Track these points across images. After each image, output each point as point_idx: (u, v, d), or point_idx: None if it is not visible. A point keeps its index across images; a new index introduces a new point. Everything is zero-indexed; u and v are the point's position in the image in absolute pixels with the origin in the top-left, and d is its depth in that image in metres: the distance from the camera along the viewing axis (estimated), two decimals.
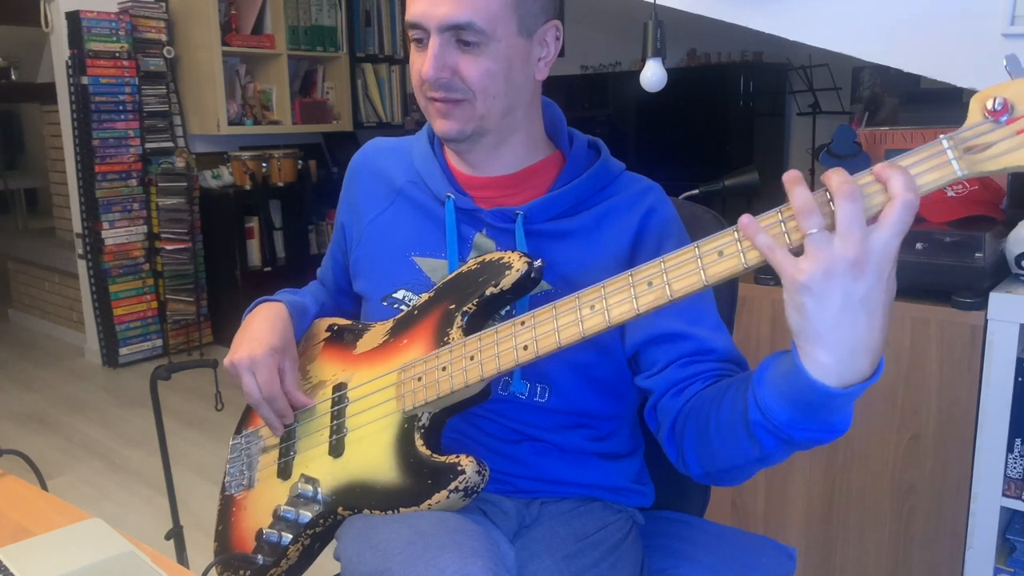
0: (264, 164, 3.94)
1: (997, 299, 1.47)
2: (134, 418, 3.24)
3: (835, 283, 0.63)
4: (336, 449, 0.95)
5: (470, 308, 0.89)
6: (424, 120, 0.99)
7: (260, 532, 0.97)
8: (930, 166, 0.64)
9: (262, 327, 1.00)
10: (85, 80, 3.58)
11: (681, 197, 1.40)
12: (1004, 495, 1.50)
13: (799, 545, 1.77)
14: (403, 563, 0.77)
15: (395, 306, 1.00)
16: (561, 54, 0.98)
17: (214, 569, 0.97)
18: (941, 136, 0.64)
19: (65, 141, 3.81)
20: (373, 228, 1.06)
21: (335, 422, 0.97)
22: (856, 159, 1.81)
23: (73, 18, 3.56)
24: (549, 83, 0.99)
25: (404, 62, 4.75)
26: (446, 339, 0.89)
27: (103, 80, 3.63)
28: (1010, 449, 1.48)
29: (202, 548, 1.95)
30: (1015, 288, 1.49)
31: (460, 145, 0.96)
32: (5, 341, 4.39)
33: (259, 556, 0.96)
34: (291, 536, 0.94)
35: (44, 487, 0.99)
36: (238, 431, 1.12)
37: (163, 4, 3.83)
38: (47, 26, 3.71)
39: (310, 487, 0.95)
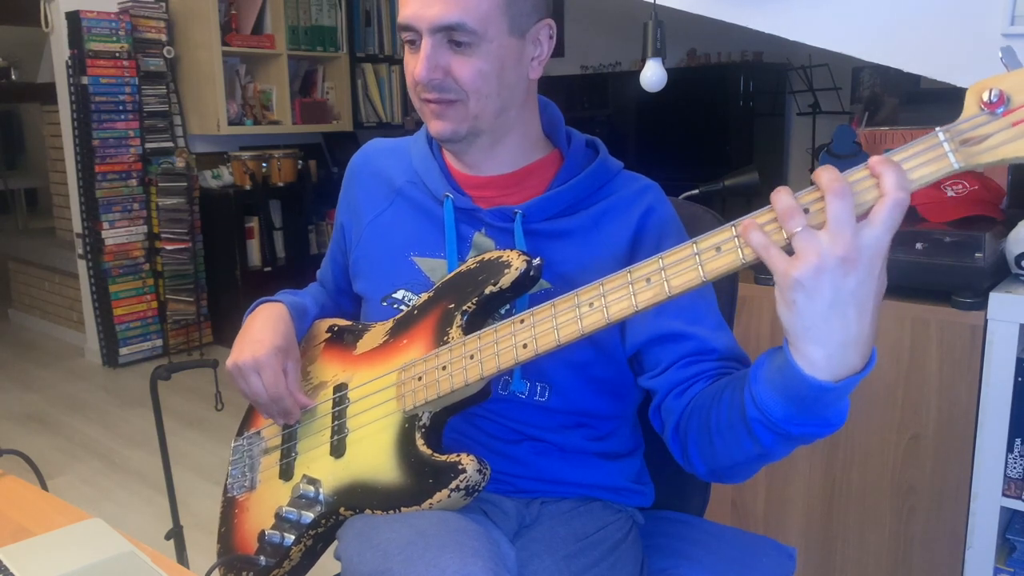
0: (264, 164, 3.94)
1: (997, 299, 1.47)
2: (134, 418, 3.24)
3: (825, 279, 0.63)
4: (337, 449, 0.95)
5: (469, 307, 0.89)
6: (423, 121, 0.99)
7: (262, 533, 0.97)
8: (926, 159, 0.64)
9: (264, 328, 1.00)
10: (85, 80, 3.58)
11: (681, 197, 1.40)
12: (1004, 495, 1.50)
13: (799, 545, 1.77)
14: (403, 563, 0.77)
15: (395, 306, 1.00)
16: (561, 54, 0.99)
17: (217, 571, 0.97)
18: (937, 129, 0.64)
19: (65, 141, 3.81)
20: (372, 228, 1.06)
21: (336, 423, 0.97)
22: (856, 159, 1.81)
23: (73, 18, 3.56)
24: (549, 83, 0.99)
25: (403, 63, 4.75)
26: (446, 338, 0.89)
27: (103, 80, 3.63)
28: (1010, 449, 1.48)
29: (202, 548, 1.95)
30: (1015, 288, 1.50)
31: (455, 145, 0.97)
32: (5, 341, 4.39)
33: (261, 557, 0.97)
34: (293, 537, 0.94)
35: (44, 487, 0.99)
36: (239, 433, 1.12)
37: (163, 4, 3.83)
38: (47, 26, 3.71)
39: (312, 488, 0.95)
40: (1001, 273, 1.57)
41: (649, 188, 1.01)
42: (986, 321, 1.48)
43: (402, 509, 0.87)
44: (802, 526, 1.77)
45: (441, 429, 0.91)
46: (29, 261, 4.55)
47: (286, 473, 1.00)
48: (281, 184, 4.02)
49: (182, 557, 1.68)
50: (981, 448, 1.51)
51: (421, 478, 0.86)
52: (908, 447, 1.61)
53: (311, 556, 0.97)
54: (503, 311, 0.94)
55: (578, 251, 0.96)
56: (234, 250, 3.87)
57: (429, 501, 0.85)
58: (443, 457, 0.86)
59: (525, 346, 0.81)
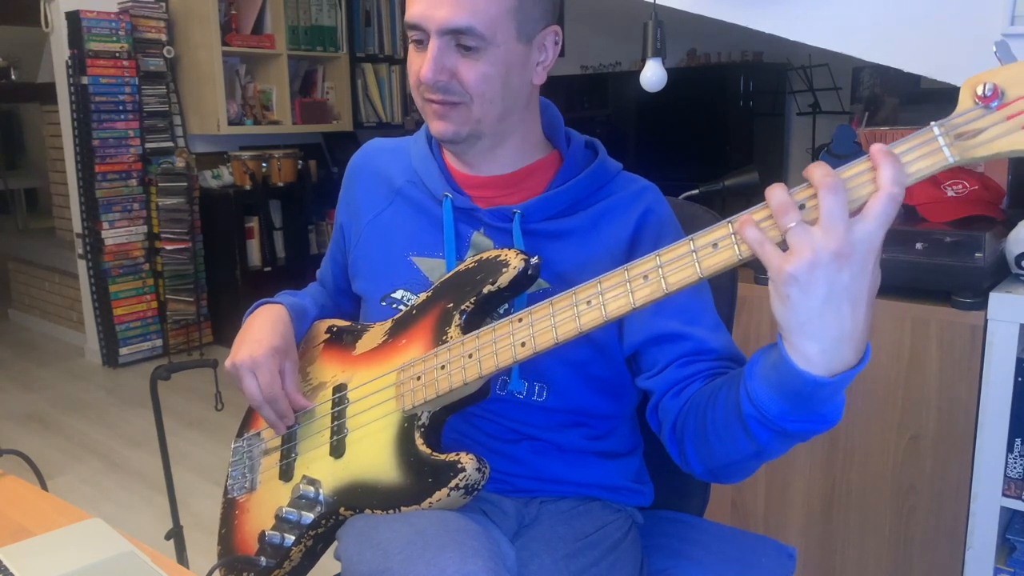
0: (264, 164, 3.95)
1: (997, 299, 1.47)
2: (134, 418, 3.24)
3: (819, 274, 0.64)
4: (337, 450, 0.95)
5: (468, 307, 0.89)
6: (424, 120, 0.99)
7: (263, 534, 0.97)
8: (922, 153, 0.64)
9: (263, 328, 1.00)
10: (85, 80, 3.58)
11: (681, 197, 1.40)
12: (1004, 495, 1.50)
13: (799, 545, 1.77)
14: (403, 562, 0.77)
15: (394, 306, 1.00)
16: (561, 54, 0.99)
17: (217, 571, 0.97)
18: (932, 123, 0.64)
19: (65, 141, 3.81)
20: (372, 228, 1.06)
21: (335, 423, 0.97)
22: (855, 159, 1.81)
23: (73, 18, 3.57)
24: (549, 83, 0.99)
25: (404, 62, 4.75)
26: (444, 338, 0.89)
27: (103, 80, 3.63)
28: (1010, 449, 1.48)
29: (202, 548, 1.95)
30: (1015, 288, 1.50)
31: (456, 146, 0.97)
32: (5, 341, 4.39)
33: (262, 558, 0.97)
34: (293, 537, 0.94)
35: (44, 487, 0.99)
36: (239, 434, 1.12)
37: (163, 4, 3.83)
38: (47, 26, 3.71)
39: (312, 488, 0.95)
40: (1001, 273, 1.57)
41: (647, 189, 1.01)
42: (986, 321, 1.48)
43: (402, 508, 0.87)
44: (802, 526, 1.77)
45: (440, 428, 0.91)
46: (29, 261, 4.55)
47: (286, 474, 1.00)
48: (281, 184, 4.02)
49: (182, 557, 1.68)
50: (981, 448, 1.51)
51: (420, 477, 0.86)
52: (908, 447, 1.61)
53: (311, 556, 0.97)
54: (502, 310, 0.94)
55: (576, 251, 0.96)
56: (234, 250, 3.87)
57: (429, 500, 0.85)
58: (442, 456, 0.86)
59: (523, 344, 0.81)
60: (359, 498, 0.91)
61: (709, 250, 0.70)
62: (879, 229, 0.63)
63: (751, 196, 1.83)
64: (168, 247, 3.82)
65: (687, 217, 1.08)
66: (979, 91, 0.62)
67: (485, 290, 0.88)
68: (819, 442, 1.72)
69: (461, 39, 0.88)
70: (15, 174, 6.74)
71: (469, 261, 0.92)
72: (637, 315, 0.80)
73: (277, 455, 1.03)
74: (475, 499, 0.87)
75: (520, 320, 0.82)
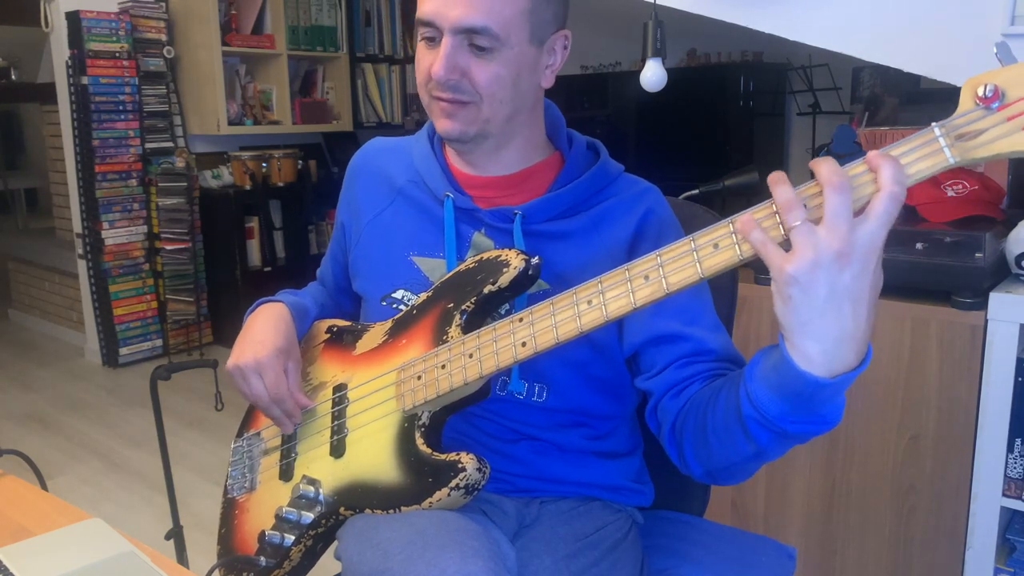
0: (264, 164, 3.95)
1: (997, 299, 1.47)
2: (134, 418, 3.24)
3: (821, 274, 0.63)
4: (337, 450, 0.95)
5: (468, 306, 0.89)
6: (424, 120, 0.99)
7: (262, 534, 0.97)
8: (922, 154, 0.64)
9: (265, 329, 1.00)
10: (85, 80, 3.58)
11: (681, 197, 1.40)
12: (1004, 495, 1.50)
13: (799, 545, 1.77)
14: (403, 562, 0.77)
15: (394, 306, 1.00)
16: None
17: (217, 571, 0.97)
18: (933, 124, 0.64)
19: (65, 141, 3.81)
20: (372, 228, 1.06)
21: (336, 423, 0.97)
22: (855, 159, 1.81)
23: (73, 18, 3.56)
24: None
25: (404, 62, 4.75)
26: (445, 338, 0.89)
27: (103, 80, 3.63)
28: (1010, 449, 1.48)
29: (202, 548, 1.95)
30: (1015, 288, 1.50)
31: (462, 146, 0.97)
32: (5, 341, 4.39)
33: (262, 558, 0.97)
34: (293, 537, 0.94)
35: (44, 487, 0.99)
36: (239, 434, 1.12)
37: (163, 4, 3.83)
38: (47, 26, 3.71)
39: (312, 488, 0.95)
40: (1001, 273, 1.57)
41: (649, 191, 1.01)
42: (986, 321, 1.48)
43: (402, 508, 0.87)
44: (802, 526, 1.77)
45: (441, 428, 0.91)
46: (29, 261, 4.55)
47: (286, 474, 1.00)
48: (281, 184, 4.02)
49: (182, 557, 1.68)
50: (981, 448, 1.51)
51: (421, 477, 0.86)
52: (908, 447, 1.61)
53: (311, 556, 0.97)
54: (502, 311, 0.94)
55: (577, 252, 0.96)
56: (234, 250, 3.87)
57: (429, 500, 0.85)
58: (443, 456, 0.86)
59: (524, 344, 0.81)
60: (359, 498, 0.91)
61: (710, 250, 0.70)
62: (881, 229, 0.63)
63: (751, 196, 1.83)
64: (168, 247, 3.82)
65: (687, 217, 1.08)
66: (980, 92, 0.62)
67: (486, 290, 0.88)
68: (819, 442, 1.72)
69: (475, 39, 0.87)
70: (15, 174, 6.73)
71: (470, 261, 0.92)
72: (637, 316, 0.80)
73: (277, 455, 1.03)
74: (475, 499, 0.87)
75: (521, 320, 0.82)
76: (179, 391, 3.42)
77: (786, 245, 0.66)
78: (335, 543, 0.95)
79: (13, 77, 6.00)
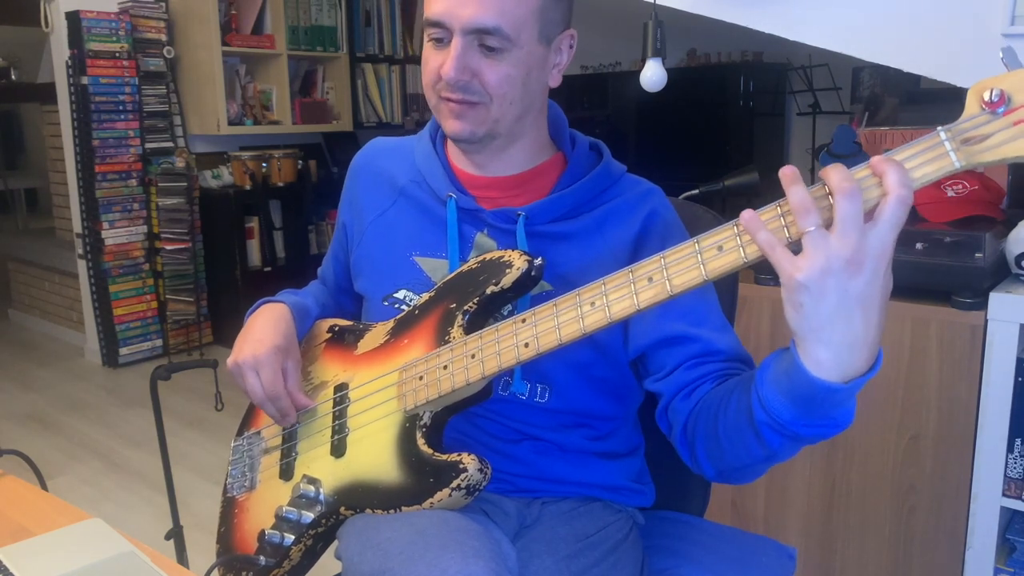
0: (264, 164, 3.94)
1: (997, 299, 1.47)
2: (134, 418, 3.24)
3: (832, 280, 0.63)
4: (338, 449, 0.95)
5: (471, 307, 0.89)
6: (425, 120, 0.99)
7: (262, 533, 0.97)
8: (928, 158, 0.64)
9: (265, 327, 1.00)
10: (85, 80, 3.58)
11: (681, 197, 1.40)
12: (1004, 495, 1.50)
13: (799, 545, 1.77)
14: (404, 562, 0.77)
15: (396, 306, 1.00)
16: None
17: (216, 570, 0.97)
18: (939, 128, 0.64)
19: (65, 141, 3.81)
20: (374, 228, 1.06)
21: (337, 422, 0.97)
22: (856, 159, 1.81)
23: (73, 18, 3.56)
24: None
25: (404, 62, 4.75)
26: (447, 338, 0.89)
27: (103, 80, 3.63)
28: (1010, 449, 1.48)
29: (202, 548, 1.95)
30: (1015, 288, 1.50)
31: (469, 146, 0.97)
32: (5, 341, 4.39)
33: (261, 557, 0.96)
34: (293, 537, 0.94)
35: (44, 487, 0.99)
36: (239, 433, 1.12)
37: (163, 4, 3.83)
38: (47, 26, 3.71)
39: (312, 487, 0.95)
40: (1001, 273, 1.57)
41: (652, 192, 1.01)
42: (986, 321, 1.48)
43: (403, 508, 0.87)
44: (802, 526, 1.77)
45: (442, 428, 0.91)
46: (29, 261, 4.54)
47: (286, 473, 1.00)
48: (281, 184, 4.02)
49: (182, 557, 1.68)
50: (981, 448, 1.51)
51: (422, 477, 0.86)
52: (908, 447, 1.61)
53: (311, 556, 0.97)
54: (505, 312, 0.94)
55: (580, 254, 0.95)
56: (234, 250, 3.87)
57: (430, 500, 0.85)
58: (444, 456, 0.86)
59: (527, 345, 0.81)
60: (360, 498, 0.91)
61: (714, 252, 0.70)
62: (891, 233, 0.63)
63: (751, 196, 1.83)
64: (168, 247, 3.82)
65: (688, 217, 1.08)
66: (986, 97, 0.62)
67: (488, 291, 0.88)
68: (819, 442, 1.72)
69: (485, 39, 0.87)
70: (15, 174, 6.73)
71: (472, 262, 0.92)
72: (643, 317, 0.80)
73: (277, 454, 1.03)
74: (476, 499, 0.87)
75: (523, 321, 0.82)
76: (179, 391, 3.42)
77: (791, 247, 0.66)
78: (335, 543, 0.95)
79: (13, 77, 6.00)
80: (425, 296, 0.95)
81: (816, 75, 3.23)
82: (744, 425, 0.78)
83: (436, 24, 0.89)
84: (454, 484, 0.84)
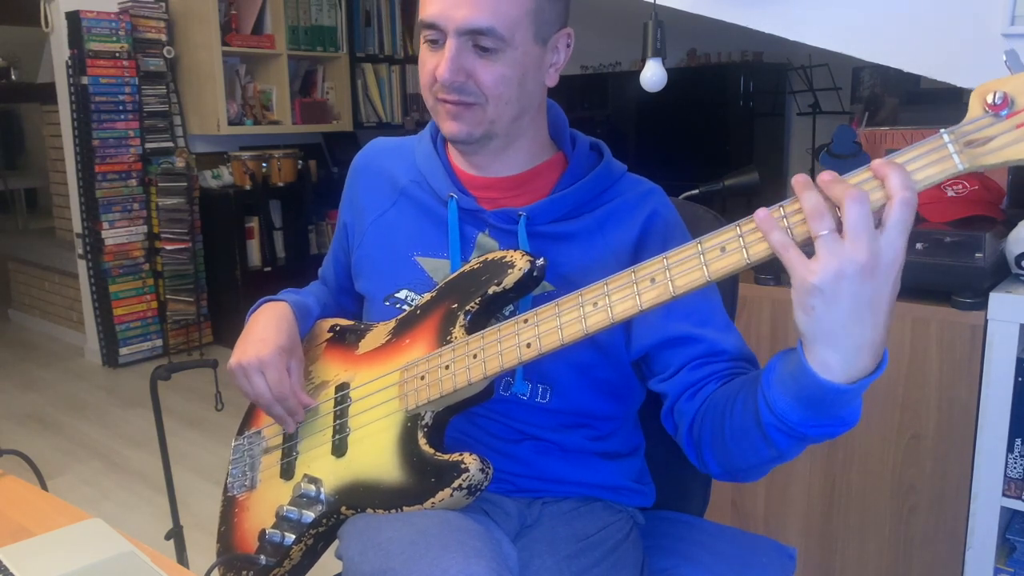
0: (264, 164, 3.94)
1: (997, 299, 1.47)
2: (134, 418, 3.24)
3: (845, 285, 0.63)
4: (339, 449, 0.95)
5: (473, 307, 0.89)
6: (425, 120, 0.99)
7: (263, 532, 0.97)
8: (931, 160, 0.64)
9: (268, 327, 1.00)
10: (85, 80, 3.58)
11: (681, 197, 1.40)
12: (1004, 495, 1.50)
13: (799, 545, 1.77)
14: (405, 562, 0.77)
15: (397, 306, 1.00)
16: None
17: (216, 570, 0.97)
18: (942, 130, 0.64)
19: (65, 141, 3.81)
20: (375, 228, 1.06)
21: (338, 422, 0.97)
22: (856, 159, 1.81)
23: (73, 18, 3.56)
24: None
25: (404, 62, 4.75)
26: (449, 338, 0.89)
27: (103, 80, 3.63)
28: (1010, 449, 1.48)
29: (202, 548, 1.95)
30: (1015, 288, 1.50)
31: (467, 147, 0.97)
32: (5, 341, 4.39)
33: (262, 556, 0.96)
34: (294, 536, 0.94)
35: (44, 487, 0.99)
36: (240, 432, 1.12)
37: (163, 4, 3.83)
38: (47, 26, 3.71)
39: (313, 487, 0.95)
40: (1001, 273, 1.57)
41: (653, 192, 1.01)
42: (986, 321, 1.48)
43: (404, 508, 0.87)
44: (802, 526, 1.77)
45: (443, 428, 0.91)
46: (29, 261, 4.54)
47: (287, 472, 1.00)
48: (281, 184, 4.02)
49: (182, 557, 1.68)
50: (981, 448, 1.51)
51: (423, 477, 0.86)
52: (908, 447, 1.61)
53: (312, 555, 0.97)
54: (507, 312, 0.94)
55: (582, 254, 0.95)
56: (234, 250, 3.87)
57: (431, 500, 0.85)
58: (445, 456, 0.86)
59: (529, 345, 0.81)
60: (361, 497, 0.91)
61: (717, 253, 0.70)
62: (900, 236, 0.63)
63: (751, 196, 1.83)
64: (168, 247, 3.82)
65: (688, 217, 1.08)
66: (989, 99, 0.63)
67: (490, 291, 0.88)
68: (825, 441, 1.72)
69: (479, 40, 0.87)
70: (15, 174, 6.73)
71: (474, 262, 0.92)
72: (646, 318, 0.80)
73: (278, 453, 1.03)
74: (477, 499, 0.87)
75: (525, 321, 0.82)
76: (179, 391, 3.41)
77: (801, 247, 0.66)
78: (336, 542, 0.95)
79: (13, 77, 6.00)
80: (427, 296, 0.95)
81: (816, 75, 3.24)
82: (751, 427, 0.78)
83: (430, 26, 0.89)
84: (455, 484, 0.84)
